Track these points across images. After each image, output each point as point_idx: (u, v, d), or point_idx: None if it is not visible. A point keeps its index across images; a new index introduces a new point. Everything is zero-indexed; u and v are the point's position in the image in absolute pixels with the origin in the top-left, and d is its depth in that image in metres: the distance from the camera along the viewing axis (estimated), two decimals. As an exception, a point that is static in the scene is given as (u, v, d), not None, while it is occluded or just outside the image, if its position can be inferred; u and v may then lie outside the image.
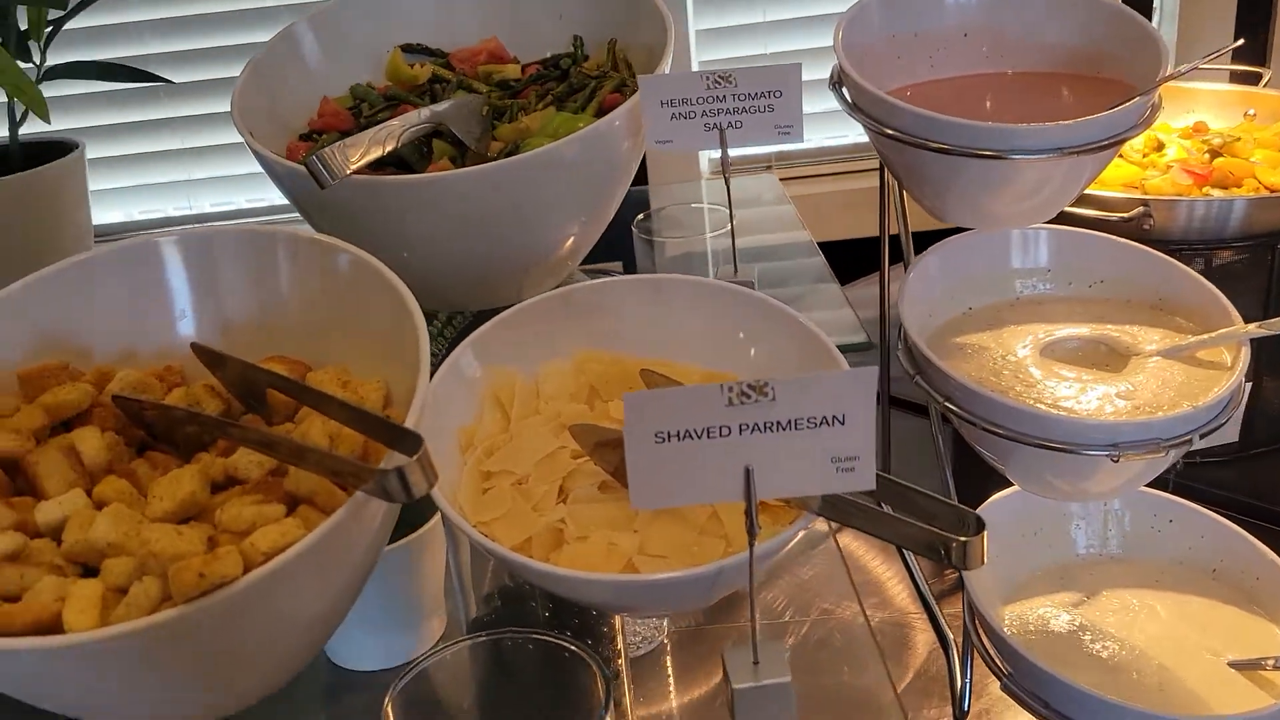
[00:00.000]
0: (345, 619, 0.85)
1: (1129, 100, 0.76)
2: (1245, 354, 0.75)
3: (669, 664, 0.90)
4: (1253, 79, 1.27)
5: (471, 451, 0.61)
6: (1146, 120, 0.78)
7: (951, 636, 0.89)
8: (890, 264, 0.93)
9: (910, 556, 1.02)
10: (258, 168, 0.77)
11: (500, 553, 0.53)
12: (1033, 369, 0.78)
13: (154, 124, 1.40)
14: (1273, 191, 1.04)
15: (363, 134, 0.70)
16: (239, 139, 0.77)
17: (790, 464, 0.46)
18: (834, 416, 0.45)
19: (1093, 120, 0.75)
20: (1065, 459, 0.73)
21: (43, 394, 0.57)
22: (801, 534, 0.55)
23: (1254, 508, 1.04)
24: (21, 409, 0.56)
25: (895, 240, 0.90)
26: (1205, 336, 0.77)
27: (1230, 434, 0.93)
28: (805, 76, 0.74)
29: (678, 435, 0.45)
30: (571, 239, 0.82)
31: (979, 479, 0.86)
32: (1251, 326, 0.76)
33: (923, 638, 0.95)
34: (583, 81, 0.85)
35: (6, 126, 0.88)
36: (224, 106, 0.81)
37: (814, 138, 1.56)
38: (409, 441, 0.47)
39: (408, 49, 0.93)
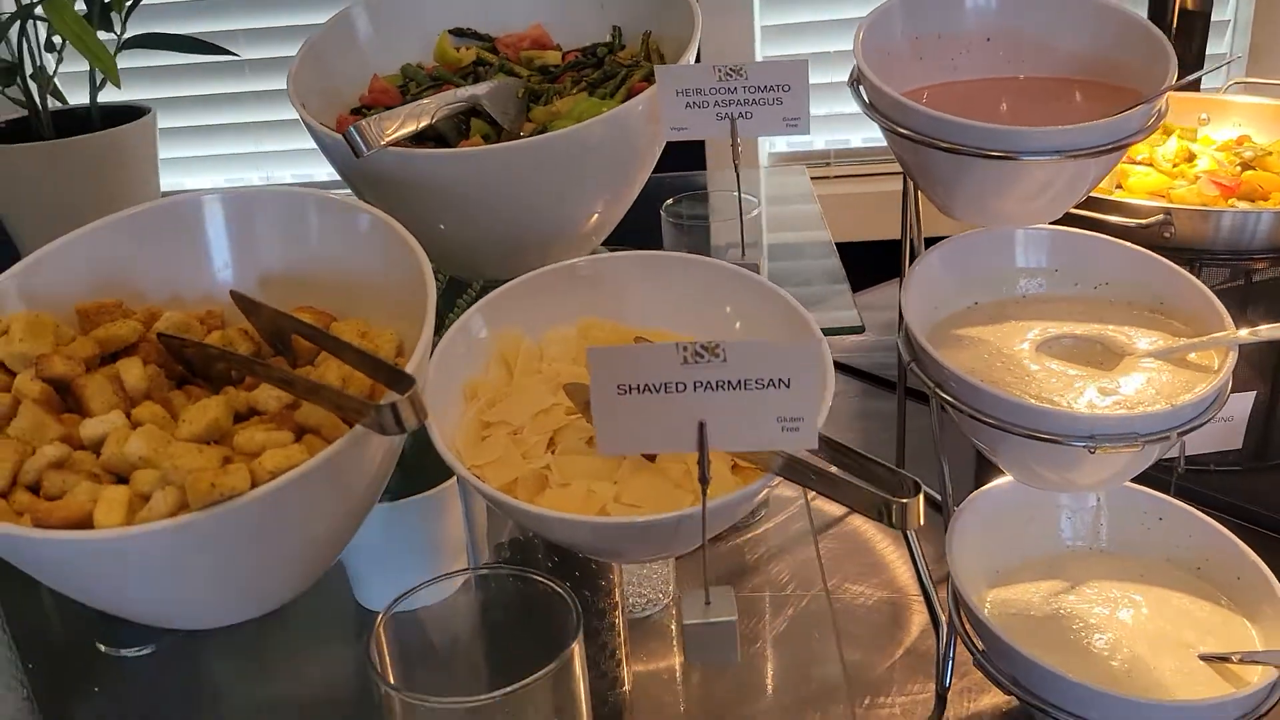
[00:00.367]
0: (374, 565, 0.92)
1: (1134, 106, 0.79)
2: (1231, 359, 0.77)
3: (672, 626, 0.96)
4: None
5: (475, 403, 0.67)
6: (1150, 126, 0.81)
7: (943, 617, 0.93)
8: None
9: (913, 540, 1.06)
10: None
11: (488, 492, 0.58)
12: (1027, 363, 0.82)
13: (226, 97, 1.49)
14: (1299, 206, 1.05)
15: (400, 109, 0.76)
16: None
17: (740, 421, 0.50)
18: (781, 380, 0.49)
19: (1096, 125, 0.78)
20: (1049, 449, 0.76)
21: (97, 328, 0.64)
22: (767, 493, 0.60)
23: (1265, 518, 1.05)
24: (77, 339, 0.63)
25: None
26: (1194, 340, 0.80)
27: (1233, 440, 0.96)
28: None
29: (638, 388, 0.50)
30: (595, 216, 0.87)
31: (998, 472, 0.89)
32: (1242, 333, 0.79)
33: (919, 618, 0.98)
34: (615, 70, 0.90)
35: (88, 94, 0.96)
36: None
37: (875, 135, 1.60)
38: (404, 382, 0.52)
39: (458, 33, 0.99)
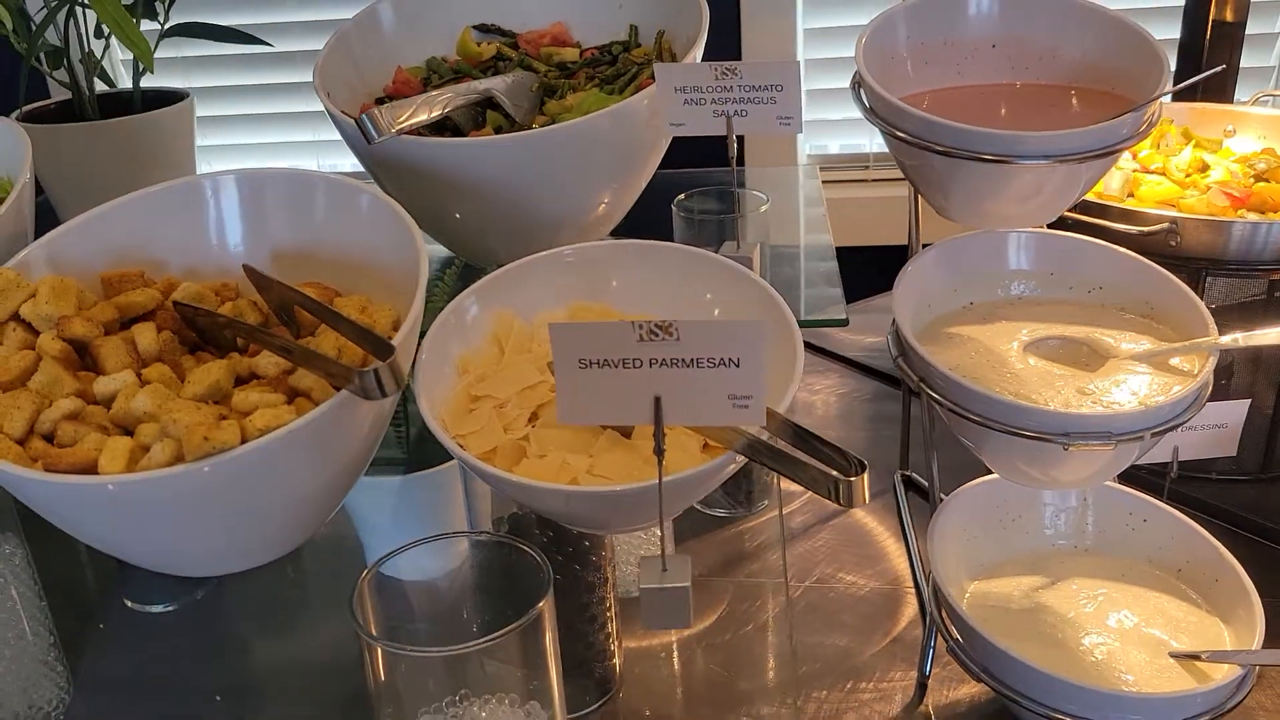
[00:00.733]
0: (386, 536, 0.96)
1: (1124, 113, 0.81)
2: (1211, 363, 0.79)
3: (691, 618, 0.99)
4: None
5: (466, 377, 0.70)
6: (1142, 133, 0.82)
7: (930, 607, 0.95)
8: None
9: (909, 533, 1.08)
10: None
11: (466, 458, 0.62)
12: (1013, 362, 0.84)
13: (264, 88, 1.55)
14: (1307, 218, 1.05)
15: (413, 98, 0.80)
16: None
17: (693, 397, 0.54)
18: (730, 359, 0.52)
19: (1087, 130, 0.80)
20: (1029, 446, 0.78)
21: (118, 295, 0.69)
22: (732, 468, 0.63)
23: (1266, 528, 1.06)
24: (99, 304, 0.68)
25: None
26: (1176, 345, 0.82)
27: (1228, 448, 0.97)
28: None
29: (597, 363, 0.53)
30: (602, 207, 0.90)
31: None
32: (1225, 339, 0.80)
33: (910, 610, 1.01)
34: (627, 67, 0.94)
35: (131, 79, 1.02)
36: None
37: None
38: (385, 351, 0.57)
39: (482, 28, 1.04)
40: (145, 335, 0.65)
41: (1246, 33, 1.66)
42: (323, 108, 0.88)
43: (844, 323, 0.83)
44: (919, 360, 0.82)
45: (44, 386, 0.61)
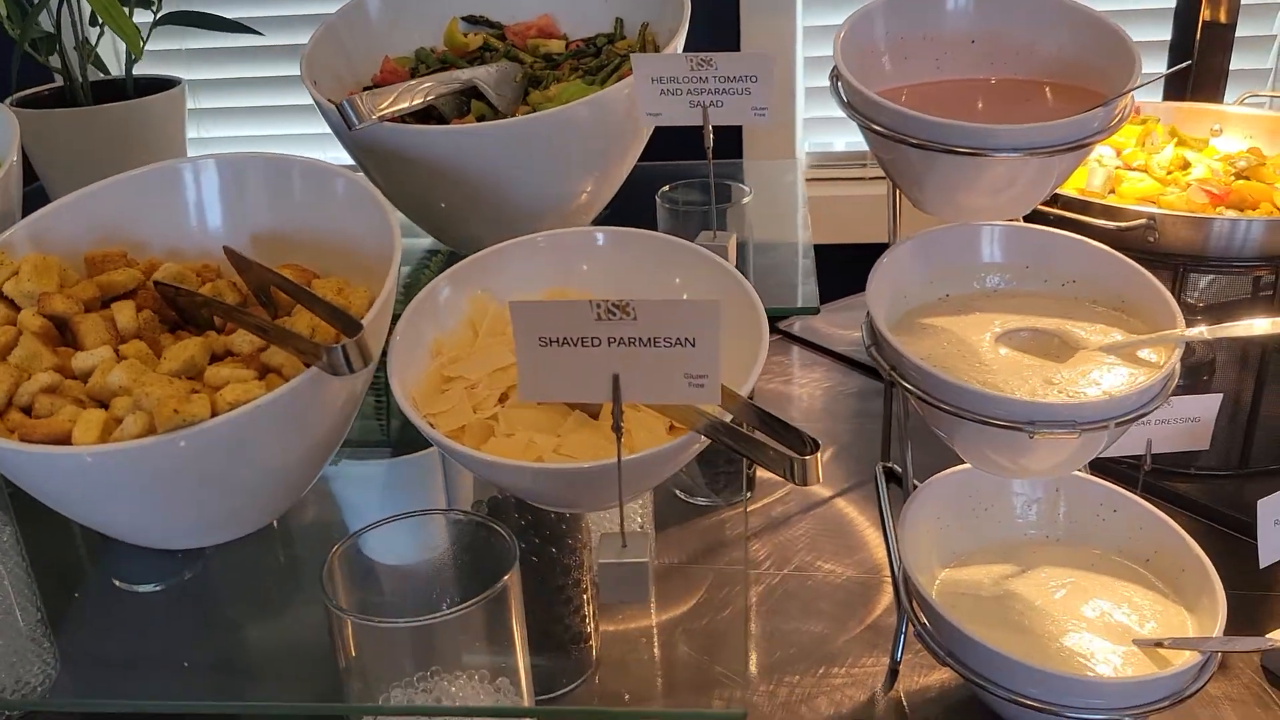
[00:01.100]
0: (373, 518, 0.98)
1: (1095, 107, 0.82)
2: (1176, 355, 0.80)
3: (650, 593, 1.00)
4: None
5: (440, 359, 0.72)
6: (1113, 127, 0.83)
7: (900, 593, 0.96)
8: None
9: (888, 522, 1.09)
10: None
11: (434, 436, 0.64)
12: (984, 352, 0.85)
13: (260, 80, 1.56)
14: (1285, 215, 1.06)
15: (394, 86, 0.82)
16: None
17: (650, 375, 0.55)
18: (686, 339, 0.54)
19: (1058, 124, 0.81)
20: (996, 434, 0.79)
21: (100, 274, 0.71)
22: (696, 448, 0.64)
23: (1240, 522, 1.07)
24: (80, 282, 0.69)
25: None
26: (1142, 338, 0.83)
27: (1201, 441, 0.98)
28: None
29: (556, 341, 0.55)
30: (584, 195, 0.92)
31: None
32: (1191, 331, 0.81)
33: (886, 598, 1.02)
34: (611, 58, 0.95)
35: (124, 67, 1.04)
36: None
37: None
38: (354, 329, 0.58)
39: (471, 20, 1.05)
40: (124, 313, 0.66)
41: (1243, 35, 1.67)
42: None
43: (815, 311, 0.84)
44: (891, 350, 0.83)
45: (23, 361, 0.62)
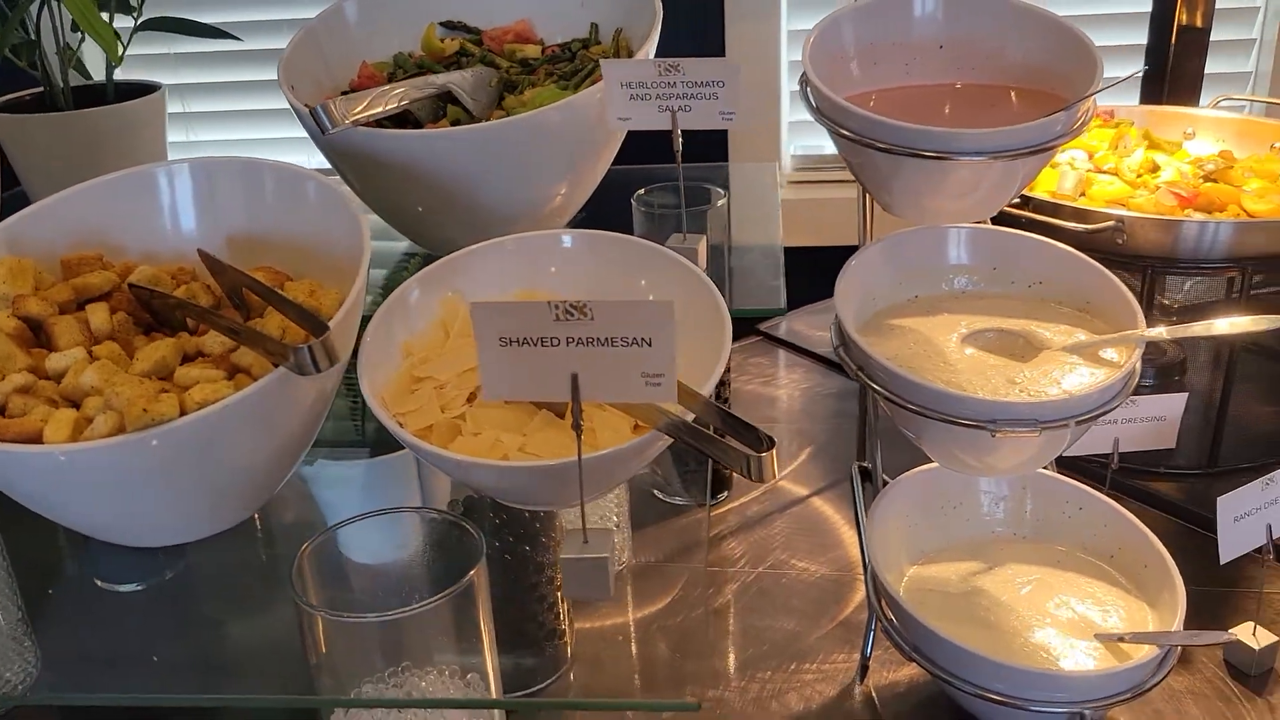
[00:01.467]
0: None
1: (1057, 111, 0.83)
2: (1136, 355, 0.81)
3: (626, 591, 1.02)
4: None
5: (410, 359, 0.73)
6: (1075, 130, 0.85)
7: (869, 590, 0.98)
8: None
9: (862, 521, 1.10)
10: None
11: (402, 435, 0.65)
12: (950, 353, 0.86)
13: (242, 85, 1.58)
14: (1251, 217, 1.08)
15: (368, 91, 0.83)
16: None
17: (608, 374, 0.56)
18: (643, 338, 0.55)
19: (1020, 128, 0.83)
20: (960, 433, 0.80)
21: (76, 277, 0.72)
22: (659, 446, 0.65)
23: (1206, 520, 1.09)
24: (56, 285, 0.71)
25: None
26: (1104, 338, 0.84)
27: (1167, 440, 0.99)
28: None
29: (517, 341, 0.56)
30: (558, 198, 0.93)
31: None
32: (1150, 331, 0.83)
33: (857, 596, 1.03)
34: (585, 63, 0.96)
35: (111, 72, 1.05)
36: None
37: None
38: (320, 329, 0.59)
39: (449, 25, 1.06)
40: (98, 315, 0.68)
41: (1224, 39, 1.69)
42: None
43: (781, 311, 0.86)
44: (858, 351, 0.84)
45: (-3, 361, 0.64)
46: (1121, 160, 1.18)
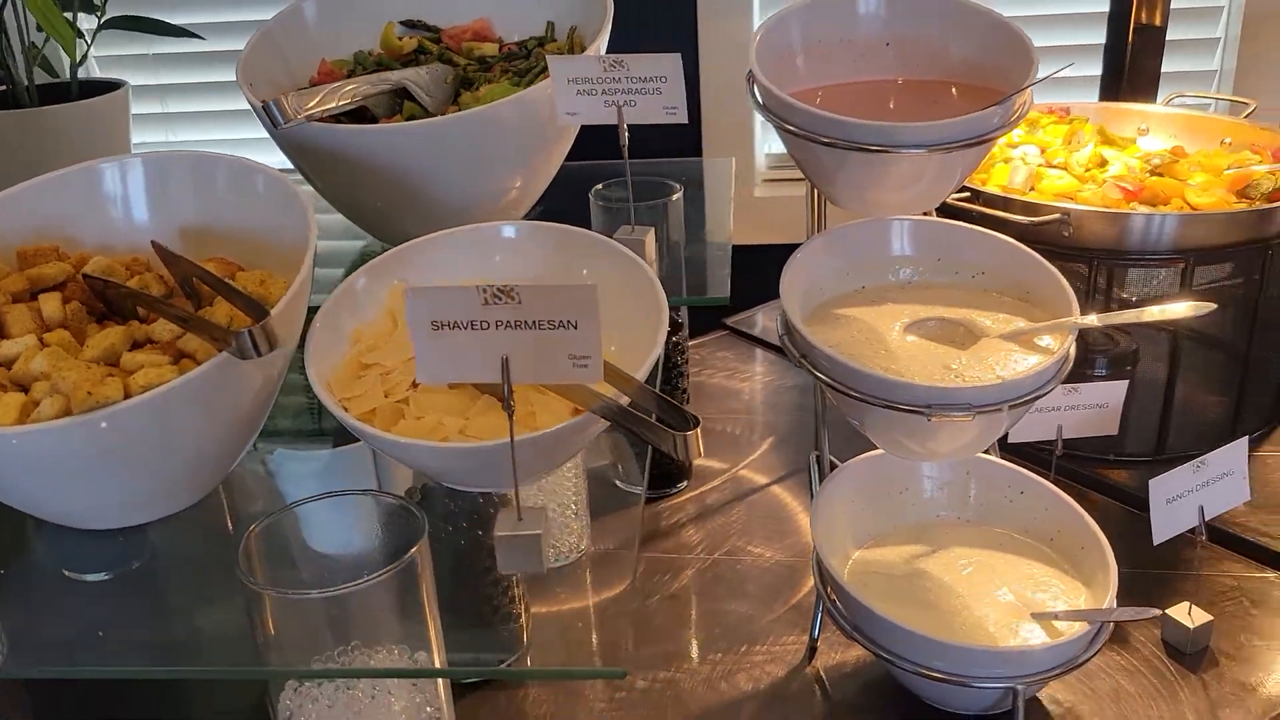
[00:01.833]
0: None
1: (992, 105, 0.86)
2: (1069, 341, 0.84)
3: (585, 577, 1.04)
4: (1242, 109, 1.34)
5: (359, 346, 0.75)
6: (1011, 123, 0.87)
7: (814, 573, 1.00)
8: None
9: (816, 508, 1.13)
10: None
11: (346, 419, 0.67)
12: (891, 341, 0.89)
13: (207, 86, 1.60)
14: (1195, 210, 1.11)
15: (321, 87, 0.85)
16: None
17: (537, 356, 0.58)
18: (568, 321, 0.57)
19: (957, 121, 0.85)
20: (899, 418, 0.83)
21: (31, 268, 0.74)
22: (594, 429, 0.67)
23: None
24: (10, 276, 0.73)
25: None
26: (1038, 325, 0.87)
27: (1110, 427, 1.02)
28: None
29: (448, 324, 0.58)
30: (513, 191, 0.95)
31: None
32: (1084, 319, 0.85)
33: (811, 580, 1.05)
34: (539, 61, 0.98)
35: (82, 70, 1.07)
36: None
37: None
38: (261, 315, 0.61)
39: (409, 24, 1.08)
40: (50, 304, 0.69)
41: (1189, 38, 1.72)
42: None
43: (726, 301, 0.88)
44: (801, 339, 0.87)
45: (-51, 349, 0.66)
46: (1071, 155, 1.21)
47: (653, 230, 0.88)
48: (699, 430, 0.60)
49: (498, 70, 1.00)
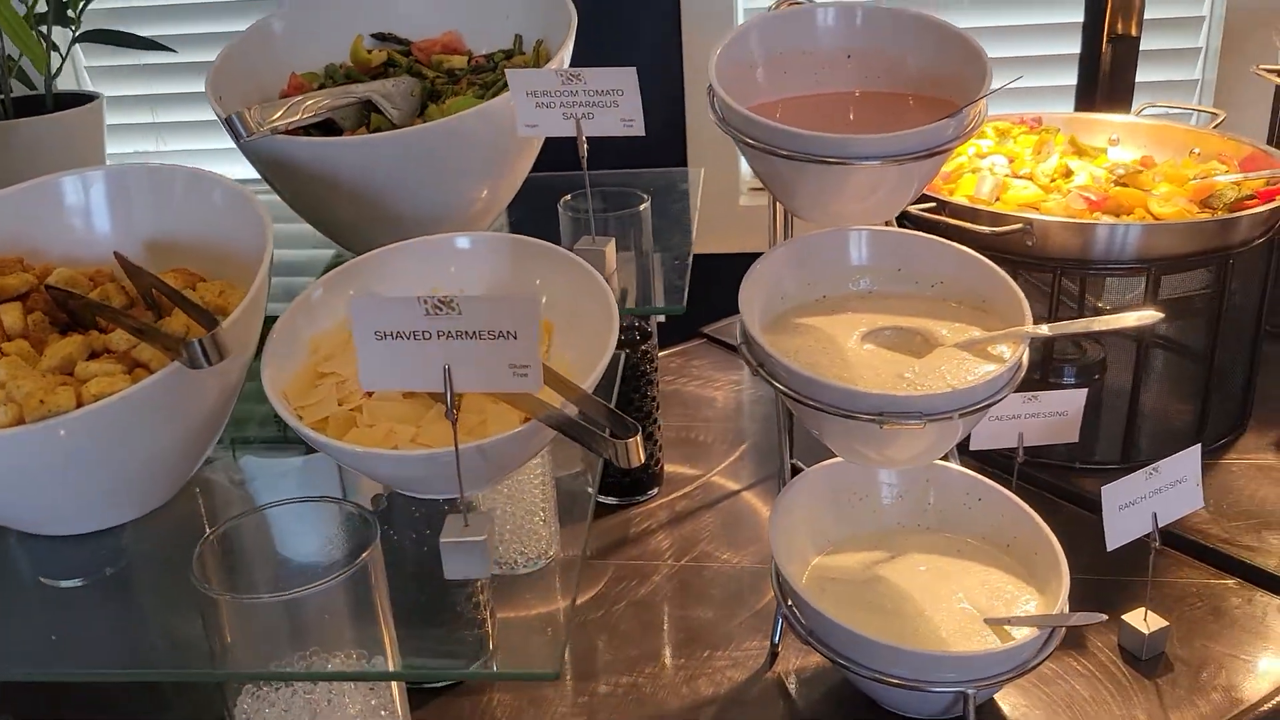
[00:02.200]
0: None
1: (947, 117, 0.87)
2: (1021, 350, 0.85)
3: (553, 584, 1.05)
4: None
5: (315, 356, 0.77)
6: (966, 133, 0.88)
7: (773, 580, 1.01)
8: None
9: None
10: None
11: (298, 427, 0.68)
12: (847, 350, 0.90)
13: (180, 97, 1.62)
14: (1157, 220, 1.12)
15: (286, 100, 0.86)
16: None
17: (478, 366, 0.60)
18: (508, 332, 0.58)
19: (911, 133, 0.86)
20: (853, 426, 0.84)
21: (-4, 280, 0.75)
22: (543, 437, 0.69)
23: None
24: (-27, 287, 0.74)
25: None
26: (992, 334, 0.88)
27: (1069, 434, 1.03)
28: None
29: (392, 334, 0.59)
30: (478, 202, 0.97)
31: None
32: (1037, 329, 0.86)
33: (779, 587, 1.06)
34: (505, 73, 1.00)
35: (64, 83, 1.08)
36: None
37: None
38: (211, 325, 0.63)
39: (380, 37, 1.10)
40: (10, 314, 0.71)
41: (1169, 48, 1.74)
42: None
43: (682, 311, 0.89)
44: (759, 348, 0.88)
45: (-90, 359, 0.67)
46: (1036, 166, 1.22)
47: (613, 241, 0.90)
48: (639, 438, 0.61)
49: (465, 83, 1.02)
